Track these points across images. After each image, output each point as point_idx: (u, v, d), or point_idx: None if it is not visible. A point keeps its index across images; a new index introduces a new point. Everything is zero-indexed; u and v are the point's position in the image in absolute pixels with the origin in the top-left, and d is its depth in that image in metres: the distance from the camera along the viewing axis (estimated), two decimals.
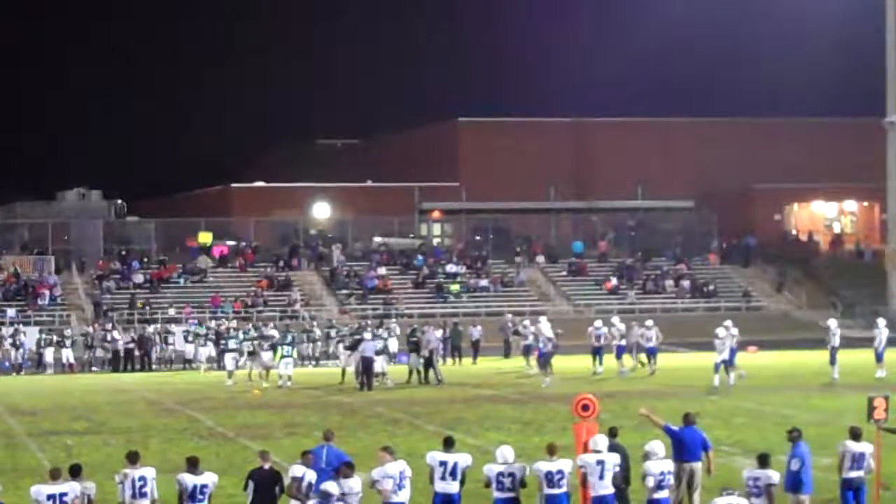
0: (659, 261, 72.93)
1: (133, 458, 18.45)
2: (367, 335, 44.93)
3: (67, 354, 52.69)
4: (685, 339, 56.81)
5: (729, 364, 41.49)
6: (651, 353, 45.61)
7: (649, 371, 45.12)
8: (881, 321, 44.99)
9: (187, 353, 53.01)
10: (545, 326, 47.01)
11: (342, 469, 18.60)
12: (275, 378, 44.35)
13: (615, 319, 47.33)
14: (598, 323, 46.84)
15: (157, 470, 18.63)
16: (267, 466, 18.82)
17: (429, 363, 44.83)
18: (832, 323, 44.50)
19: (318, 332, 53.64)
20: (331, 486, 17.67)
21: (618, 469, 18.83)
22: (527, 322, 50.32)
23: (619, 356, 45.73)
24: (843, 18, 75.18)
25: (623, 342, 46.00)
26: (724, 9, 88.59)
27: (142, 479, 18.16)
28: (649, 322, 46.46)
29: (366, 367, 42.82)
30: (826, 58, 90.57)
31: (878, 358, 43.40)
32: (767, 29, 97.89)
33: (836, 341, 43.38)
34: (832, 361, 42.93)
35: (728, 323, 43.29)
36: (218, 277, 67.87)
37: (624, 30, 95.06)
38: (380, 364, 43.98)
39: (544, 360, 44.04)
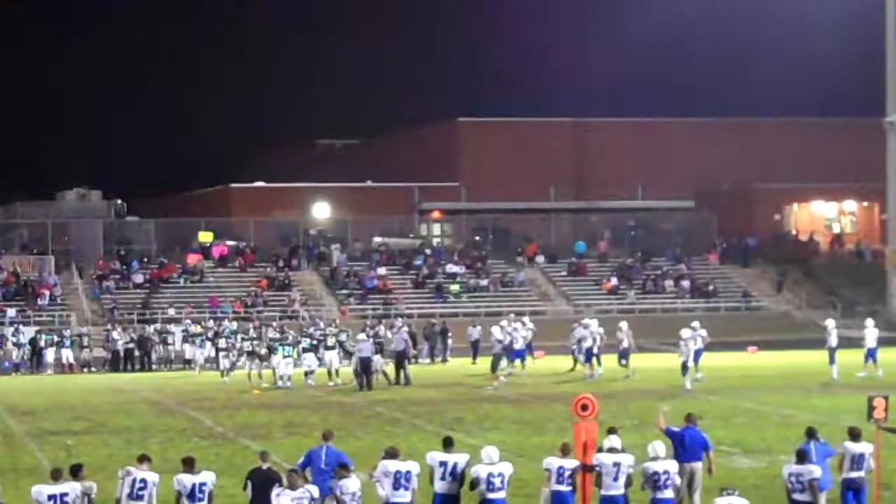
0: (659, 261, 72.91)
1: (142, 459, 18.49)
2: (363, 335, 44.85)
3: (67, 354, 52.65)
4: None
5: (691, 365, 41.40)
6: (623, 355, 45.17)
7: (627, 374, 44.41)
8: (869, 321, 45.09)
9: (187, 353, 52.93)
10: (496, 328, 46.72)
11: (337, 470, 18.66)
12: (270, 378, 44.32)
13: (588, 321, 47.06)
14: (623, 325, 46.53)
15: (157, 471, 18.60)
16: (265, 467, 18.85)
17: (399, 364, 44.61)
18: (830, 323, 44.50)
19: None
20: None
21: (630, 470, 18.90)
22: (503, 323, 49.67)
23: (588, 359, 45.00)
24: (842, 18, 75.18)
25: (588, 345, 45.20)
26: (724, 9, 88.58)
27: (142, 481, 18.14)
28: (623, 324, 46.25)
29: (364, 367, 42.77)
30: (825, 58, 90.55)
31: (871, 357, 43.44)
32: (767, 29, 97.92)
33: (834, 341, 43.41)
34: (831, 361, 42.97)
35: (695, 324, 43.08)
36: (218, 277, 67.86)
37: (624, 30, 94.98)
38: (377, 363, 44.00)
39: (493, 362, 43.67)
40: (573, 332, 46.32)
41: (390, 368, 44.73)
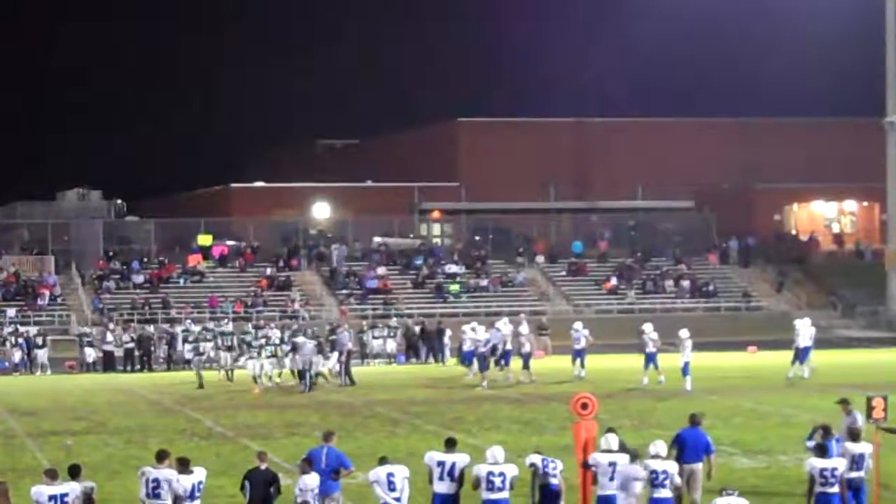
0: (658, 261, 72.89)
1: (159, 458, 18.57)
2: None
3: (66, 354, 52.51)
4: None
5: (654, 365, 41.38)
6: (578, 356, 44.89)
7: (576, 375, 44.19)
8: (807, 320, 44.50)
9: (186, 354, 52.65)
10: (479, 329, 46.63)
11: (301, 465, 18.88)
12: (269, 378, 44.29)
13: (502, 322, 46.79)
14: (578, 325, 46.31)
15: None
16: (263, 467, 18.87)
17: (344, 365, 44.22)
18: (798, 322, 44.23)
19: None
20: None
21: None
22: (474, 324, 49.27)
23: (507, 362, 44.49)
24: (842, 18, 75.16)
25: (524, 348, 44.52)
26: (724, 9, 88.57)
27: (155, 480, 18.17)
28: (578, 324, 46.13)
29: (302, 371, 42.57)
30: (826, 58, 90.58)
31: (804, 355, 43.23)
32: (767, 29, 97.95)
33: (801, 342, 43.20)
34: (799, 360, 42.79)
35: (648, 325, 42.86)
36: (218, 277, 67.85)
37: (623, 30, 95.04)
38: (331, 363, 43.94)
39: (481, 363, 43.67)
40: (487, 335, 46.07)
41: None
